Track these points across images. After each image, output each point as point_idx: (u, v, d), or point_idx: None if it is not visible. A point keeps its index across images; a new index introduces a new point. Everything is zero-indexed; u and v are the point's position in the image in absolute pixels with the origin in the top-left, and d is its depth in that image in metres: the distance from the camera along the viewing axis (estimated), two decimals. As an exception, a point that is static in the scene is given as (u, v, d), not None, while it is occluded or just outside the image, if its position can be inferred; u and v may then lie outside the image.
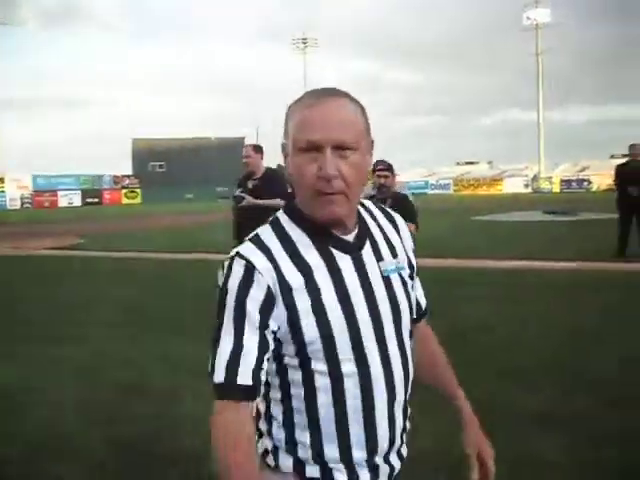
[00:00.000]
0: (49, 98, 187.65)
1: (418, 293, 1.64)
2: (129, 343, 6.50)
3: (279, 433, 1.41)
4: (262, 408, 1.44)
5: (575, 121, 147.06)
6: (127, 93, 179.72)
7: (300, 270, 1.37)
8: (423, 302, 1.67)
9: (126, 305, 8.36)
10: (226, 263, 1.38)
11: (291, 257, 1.38)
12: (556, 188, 56.31)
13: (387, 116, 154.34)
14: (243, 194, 6.74)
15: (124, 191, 63.67)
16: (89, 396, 4.96)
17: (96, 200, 59.76)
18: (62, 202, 57.85)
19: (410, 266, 1.56)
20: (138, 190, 64.09)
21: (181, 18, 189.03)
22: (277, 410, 1.42)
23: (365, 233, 1.48)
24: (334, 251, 1.41)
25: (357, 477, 1.40)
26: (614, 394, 4.52)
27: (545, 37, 71.18)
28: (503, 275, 10.01)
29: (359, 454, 1.39)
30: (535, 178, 60.50)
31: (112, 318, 7.63)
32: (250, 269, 1.34)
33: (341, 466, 1.39)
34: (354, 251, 1.44)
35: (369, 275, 1.43)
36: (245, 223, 6.29)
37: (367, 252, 1.46)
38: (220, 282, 1.37)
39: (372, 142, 1.47)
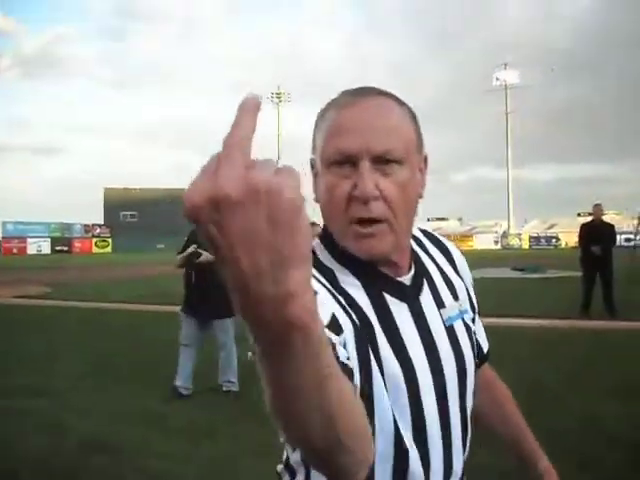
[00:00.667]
0: (22, 145, 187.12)
1: (480, 336, 1.34)
2: (96, 395, 6.43)
3: None
4: None
5: (543, 179, 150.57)
6: (102, 142, 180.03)
7: (353, 313, 1.03)
8: (485, 345, 1.36)
9: (94, 356, 8.28)
10: None
11: (339, 296, 1.04)
12: (525, 244, 57.19)
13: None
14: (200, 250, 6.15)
15: (95, 240, 63.32)
16: (51, 450, 4.89)
17: (65, 248, 59.19)
18: (31, 249, 57.16)
19: (472, 306, 1.29)
20: (109, 239, 63.78)
21: (160, 69, 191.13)
22: None
23: (422, 273, 1.17)
24: (387, 297, 1.09)
25: None
26: (572, 451, 4.59)
27: (514, 98, 73.52)
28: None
29: None
30: (505, 235, 61.45)
31: (79, 369, 7.55)
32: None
33: None
34: (411, 298, 1.13)
35: (430, 327, 1.12)
36: (202, 283, 6.14)
37: (426, 297, 1.15)
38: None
39: (426, 157, 1.16)
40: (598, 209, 11.41)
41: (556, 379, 6.75)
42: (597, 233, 11.17)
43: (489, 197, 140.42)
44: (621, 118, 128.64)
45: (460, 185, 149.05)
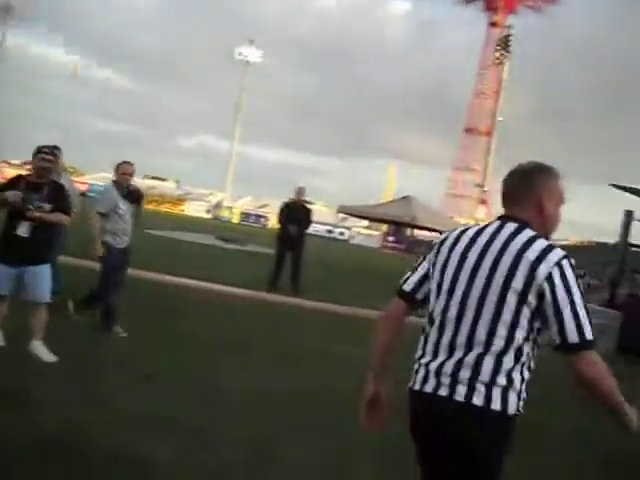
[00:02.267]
0: None
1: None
2: None
3: None
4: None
5: (266, 159, 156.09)
6: None
7: None
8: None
9: None
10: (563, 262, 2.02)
11: None
12: (236, 219, 58.88)
13: (85, 115, 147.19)
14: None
15: None
16: None
17: None
18: None
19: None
20: None
21: None
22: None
23: None
24: None
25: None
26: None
27: (252, 76, 75.09)
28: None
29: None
30: (217, 205, 62.60)
31: None
32: None
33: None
34: None
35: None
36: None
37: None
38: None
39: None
40: (300, 191, 12.04)
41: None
42: (296, 214, 11.79)
43: (211, 167, 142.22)
44: (349, 115, 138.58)
45: (186, 150, 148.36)
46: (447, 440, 2.04)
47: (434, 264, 2.24)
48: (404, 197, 20.23)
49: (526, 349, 2.04)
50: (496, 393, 1.99)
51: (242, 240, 24.26)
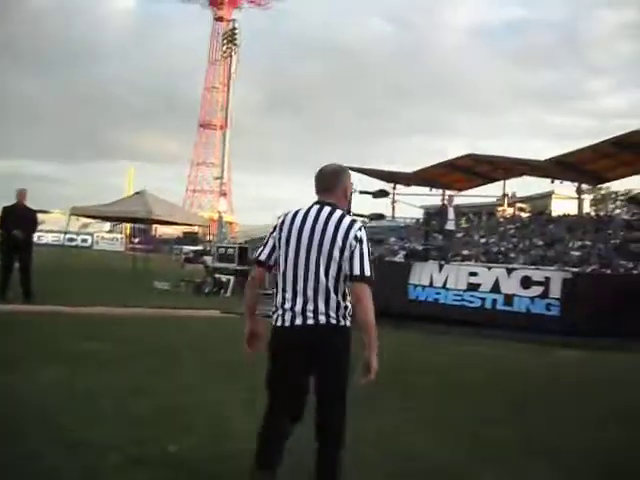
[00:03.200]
0: None
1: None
2: None
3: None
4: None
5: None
6: None
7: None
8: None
9: None
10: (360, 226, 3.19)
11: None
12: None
13: None
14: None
15: None
16: None
17: None
18: None
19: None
20: None
21: None
22: None
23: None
24: None
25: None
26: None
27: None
28: None
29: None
30: None
31: None
32: None
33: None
34: None
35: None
36: None
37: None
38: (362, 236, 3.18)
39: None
40: (22, 194, 11.41)
41: None
42: (19, 218, 11.16)
43: None
44: (80, 118, 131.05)
45: None
46: (322, 350, 3.15)
47: (279, 239, 3.24)
48: (137, 192, 20.00)
49: (347, 286, 3.19)
50: (340, 315, 3.16)
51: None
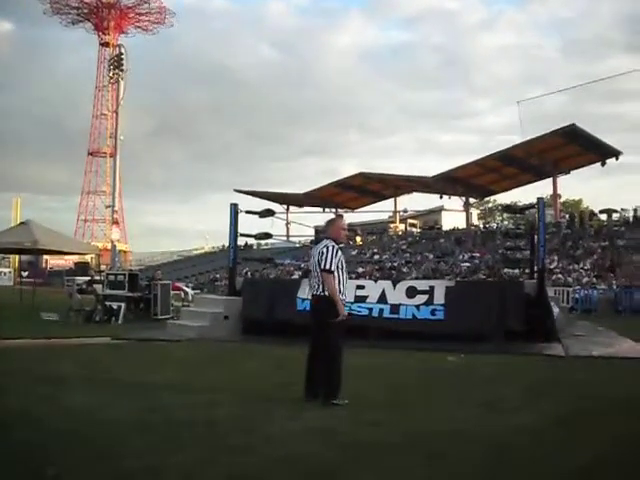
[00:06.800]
0: None
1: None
2: None
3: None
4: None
5: None
6: None
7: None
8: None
9: None
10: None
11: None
12: None
13: None
14: None
15: None
16: None
17: None
18: None
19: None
20: None
21: None
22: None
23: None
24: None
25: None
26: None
27: None
28: None
29: None
30: None
31: None
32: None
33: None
34: None
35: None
36: None
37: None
38: None
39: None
40: None
41: None
42: None
43: None
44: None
45: None
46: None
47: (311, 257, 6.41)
48: (22, 222, 19.26)
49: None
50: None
51: None
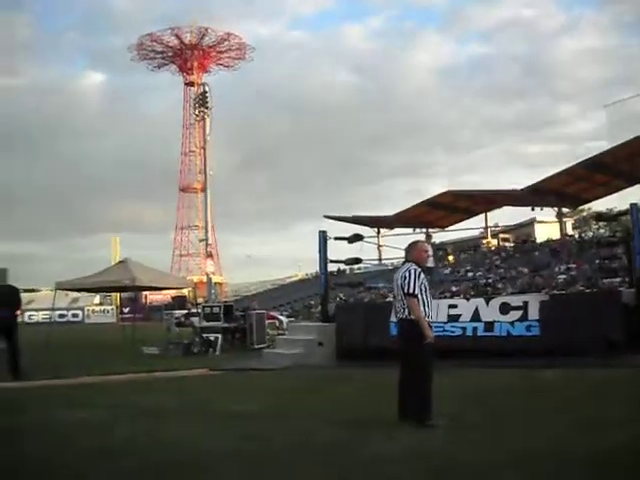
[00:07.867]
0: None
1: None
2: None
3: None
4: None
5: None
6: None
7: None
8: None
9: None
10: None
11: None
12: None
13: None
14: None
15: None
16: None
17: None
18: None
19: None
20: None
21: None
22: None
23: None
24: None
25: None
26: None
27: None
28: None
29: None
30: None
31: None
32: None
33: None
34: None
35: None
36: None
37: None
38: None
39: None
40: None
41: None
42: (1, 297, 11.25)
43: None
44: (62, 195, 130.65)
45: None
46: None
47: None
48: (120, 261, 20.21)
49: None
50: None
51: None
